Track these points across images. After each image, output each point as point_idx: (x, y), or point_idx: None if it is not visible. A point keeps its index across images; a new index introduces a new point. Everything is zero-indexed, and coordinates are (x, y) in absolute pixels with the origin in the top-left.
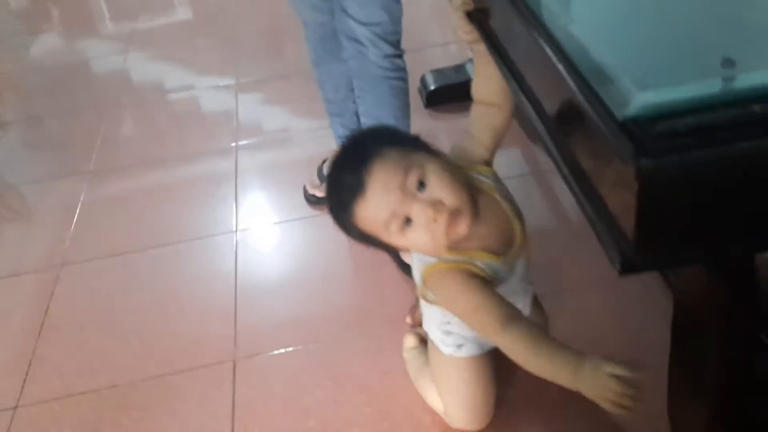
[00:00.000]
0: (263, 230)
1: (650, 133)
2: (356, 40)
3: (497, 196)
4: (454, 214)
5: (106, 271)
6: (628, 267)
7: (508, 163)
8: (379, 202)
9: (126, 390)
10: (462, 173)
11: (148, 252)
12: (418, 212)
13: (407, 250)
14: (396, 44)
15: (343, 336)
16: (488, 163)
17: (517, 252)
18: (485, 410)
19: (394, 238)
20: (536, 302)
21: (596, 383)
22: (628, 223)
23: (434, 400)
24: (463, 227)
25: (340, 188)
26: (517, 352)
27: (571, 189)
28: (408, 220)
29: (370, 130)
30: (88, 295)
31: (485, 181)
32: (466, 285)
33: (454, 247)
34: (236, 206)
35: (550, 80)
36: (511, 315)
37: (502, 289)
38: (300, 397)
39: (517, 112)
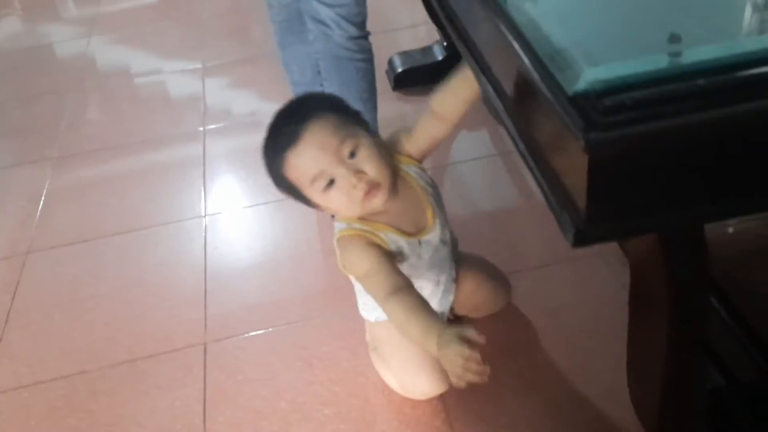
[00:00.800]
0: (232, 215)
1: (598, 107)
2: (321, 22)
3: (416, 186)
4: (372, 186)
5: (73, 257)
6: (580, 239)
7: (476, 144)
8: (311, 157)
9: (95, 376)
10: (390, 156)
11: (114, 238)
12: (342, 175)
13: (323, 210)
14: (361, 25)
15: (313, 317)
16: (418, 160)
17: (424, 237)
18: (436, 369)
19: (315, 195)
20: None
21: (449, 351)
22: (579, 195)
23: (390, 379)
24: (378, 199)
25: (277, 134)
26: (395, 320)
27: (527, 164)
28: (331, 182)
29: (319, 94)
30: (54, 282)
31: (410, 172)
32: (364, 251)
33: (365, 217)
34: (204, 191)
35: (506, 57)
36: (396, 286)
37: (407, 269)
38: (271, 379)
39: (483, 95)
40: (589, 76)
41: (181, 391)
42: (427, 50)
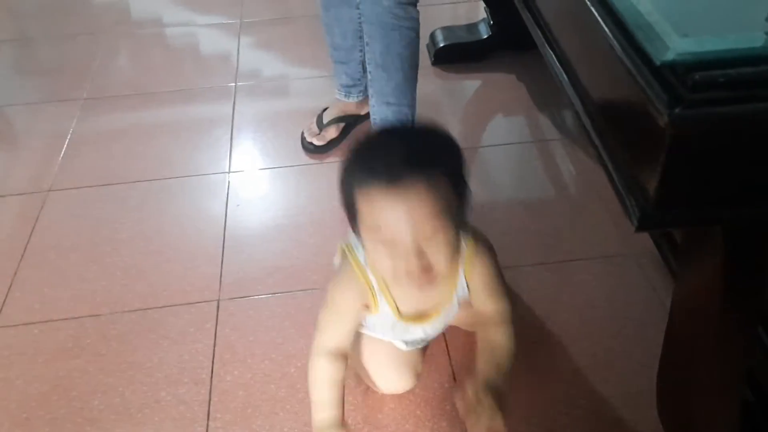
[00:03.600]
0: (257, 174)
1: (687, 82)
2: None
3: (451, 288)
4: (428, 280)
5: (94, 200)
6: (645, 222)
7: (511, 130)
8: (395, 219)
9: (107, 320)
10: (457, 255)
11: (137, 185)
12: (407, 252)
13: (363, 247)
14: None
15: (326, 276)
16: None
17: (415, 325)
18: (402, 366)
19: (368, 236)
20: None
21: None
22: (650, 176)
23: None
24: (417, 288)
25: (379, 154)
26: (309, 372)
27: (590, 140)
28: (394, 244)
29: (447, 136)
30: (74, 222)
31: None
32: (347, 291)
33: (387, 282)
34: (231, 147)
35: (583, 26)
36: (326, 350)
37: (376, 329)
38: (282, 344)
39: (526, 76)
40: (679, 47)
41: (191, 346)
42: (471, 28)
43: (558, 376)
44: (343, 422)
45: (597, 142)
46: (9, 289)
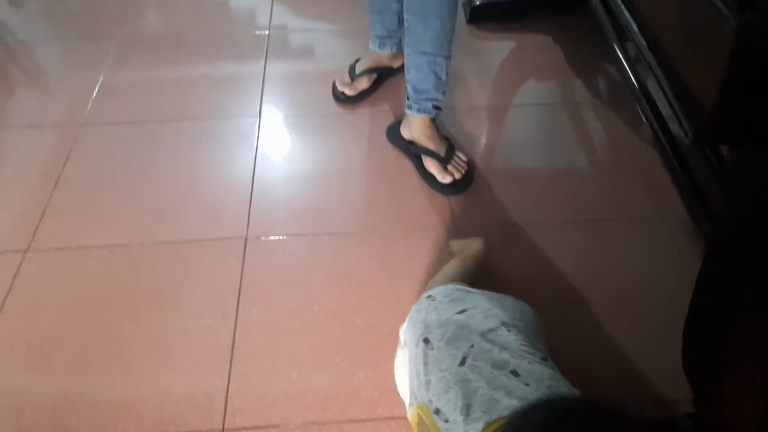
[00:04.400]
0: (287, 120)
1: None
2: None
3: None
4: None
5: (126, 136)
6: (701, 136)
7: (544, 91)
8: None
9: (136, 251)
10: None
11: (169, 124)
12: None
13: None
14: None
15: (356, 233)
16: None
17: None
18: None
19: None
20: None
21: None
22: (710, 87)
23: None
24: None
25: None
26: None
27: (642, 55)
28: None
29: None
30: (106, 156)
31: None
32: None
33: None
34: (262, 94)
35: None
36: None
37: None
38: (307, 283)
39: (563, 40)
40: None
41: (217, 280)
42: None
43: (580, 334)
44: None
45: (649, 57)
46: (42, 216)
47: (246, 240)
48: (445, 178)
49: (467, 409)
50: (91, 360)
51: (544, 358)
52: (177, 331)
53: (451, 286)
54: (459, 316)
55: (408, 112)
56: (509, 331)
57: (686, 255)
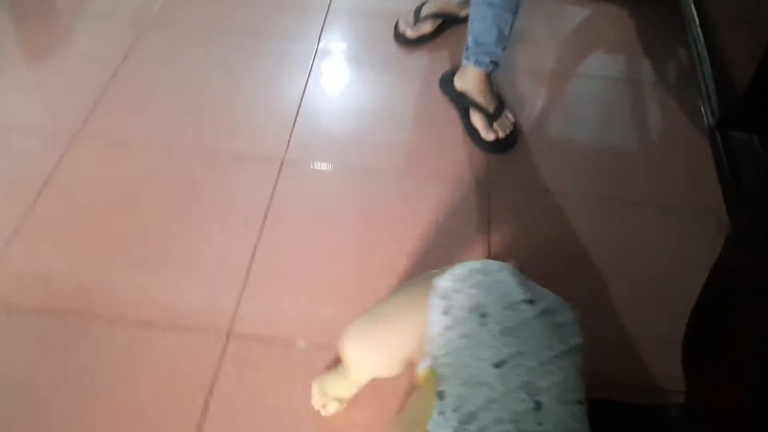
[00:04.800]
0: (344, 52)
1: None
2: None
3: None
4: None
5: (187, 40)
6: (725, 121)
7: (609, 64)
8: None
9: (178, 154)
10: None
11: (230, 36)
12: None
13: None
14: None
15: (390, 173)
16: None
17: None
18: None
19: None
20: None
21: None
22: (744, 68)
23: None
24: None
25: None
26: None
27: (690, 36)
28: None
29: None
30: (165, 57)
31: None
32: None
33: None
34: (325, 21)
35: None
36: None
37: None
38: (334, 214)
39: (638, 14)
40: None
41: (249, 195)
42: None
43: (589, 309)
44: None
45: (693, 29)
46: (95, 104)
47: (282, 162)
48: (488, 135)
49: (467, 419)
50: (117, 249)
51: (579, 401)
52: (202, 235)
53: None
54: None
55: (464, 62)
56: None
57: (715, 250)
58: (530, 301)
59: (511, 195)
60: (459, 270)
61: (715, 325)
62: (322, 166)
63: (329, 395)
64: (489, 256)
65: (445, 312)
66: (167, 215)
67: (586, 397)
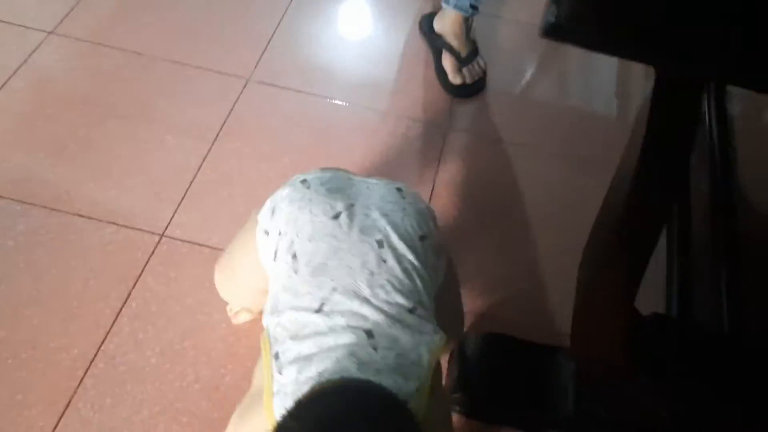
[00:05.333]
0: None
1: None
2: None
3: None
4: None
5: None
6: (550, 30)
7: None
8: None
9: (147, 61)
10: None
11: None
12: None
13: None
14: None
15: (351, 104)
16: None
17: None
18: None
19: None
20: None
21: None
22: None
23: None
24: None
25: None
26: None
27: None
28: None
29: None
30: None
31: None
32: None
33: None
34: None
35: None
36: None
37: None
38: (287, 136)
39: None
40: None
41: (209, 108)
42: None
43: (516, 255)
44: None
45: None
46: (76, 4)
47: (247, 81)
48: (455, 79)
49: (304, 365)
50: (70, 146)
51: (410, 309)
52: (156, 142)
53: (330, 173)
54: (334, 223)
55: (444, 5)
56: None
57: None
58: (335, 214)
59: (466, 139)
60: (269, 202)
61: (593, 278)
62: (285, 89)
63: (241, 304)
64: (432, 193)
65: (267, 249)
66: (125, 119)
67: (417, 304)
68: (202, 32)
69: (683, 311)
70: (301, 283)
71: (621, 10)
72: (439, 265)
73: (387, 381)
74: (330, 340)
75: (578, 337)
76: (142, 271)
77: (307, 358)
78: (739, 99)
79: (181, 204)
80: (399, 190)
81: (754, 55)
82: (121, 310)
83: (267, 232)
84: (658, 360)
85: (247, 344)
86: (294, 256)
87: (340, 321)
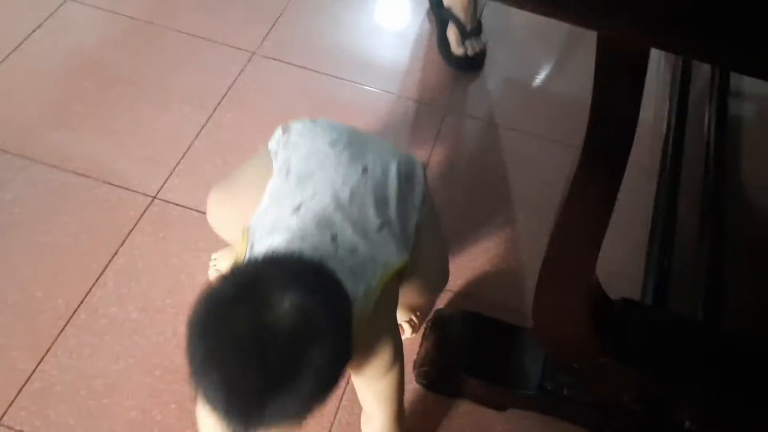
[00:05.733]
0: None
1: None
2: None
3: None
4: None
5: None
6: None
7: None
8: None
9: (157, 31)
10: None
11: None
12: None
13: None
14: None
15: (354, 82)
16: None
17: None
18: None
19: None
20: None
21: None
22: None
23: None
24: None
25: (223, 380)
26: None
27: None
28: None
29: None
30: None
31: None
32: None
33: None
34: None
35: None
36: None
37: None
38: (287, 111)
39: None
40: None
41: (211, 80)
42: None
43: (501, 236)
44: None
45: None
46: None
47: (253, 55)
48: (458, 50)
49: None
50: (73, 106)
51: (380, 227)
52: (157, 109)
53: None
54: (330, 149)
55: None
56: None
57: (636, 194)
58: (333, 143)
59: (463, 122)
60: (278, 132)
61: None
62: (290, 65)
63: (222, 270)
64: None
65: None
66: (132, 84)
67: (386, 225)
68: (215, 6)
69: (658, 299)
70: (287, 189)
71: None
72: (420, 207)
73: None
74: (297, 238)
75: (539, 312)
76: (132, 230)
77: (276, 248)
78: (746, 99)
79: (176, 169)
80: (398, 152)
81: (685, 21)
82: (107, 265)
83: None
84: (622, 343)
85: None
86: (288, 172)
87: (311, 223)
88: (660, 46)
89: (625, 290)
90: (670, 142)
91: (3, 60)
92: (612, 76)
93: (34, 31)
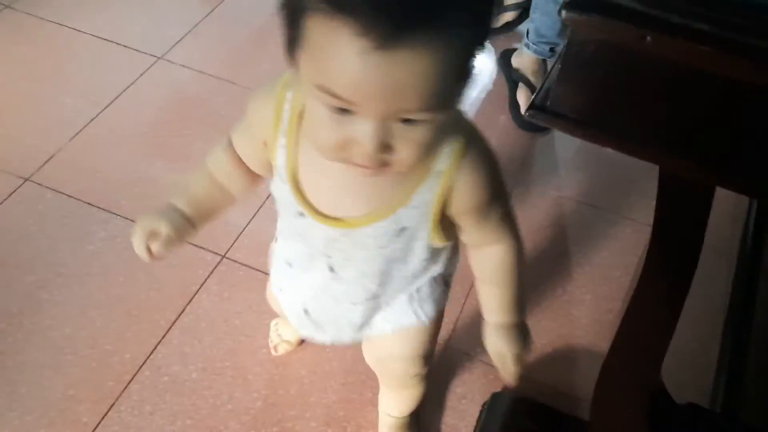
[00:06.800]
0: None
1: None
2: None
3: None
4: (381, 168)
5: None
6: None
7: None
8: (367, 87)
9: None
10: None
11: None
12: (365, 132)
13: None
14: None
15: None
16: None
17: (333, 225)
18: None
19: (311, 90)
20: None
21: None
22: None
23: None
24: (361, 174)
25: None
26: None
27: None
28: (347, 112)
29: None
30: None
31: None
32: (254, 104)
33: (310, 146)
34: None
35: None
36: (228, 144)
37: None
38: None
39: None
40: None
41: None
42: None
43: (553, 313)
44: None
45: None
46: None
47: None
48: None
49: None
50: (158, 165)
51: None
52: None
53: None
54: None
55: (524, 48)
56: None
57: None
58: None
59: (518, 186)
60: None
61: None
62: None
63: (282, 337)
64: None
65: None
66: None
67: None
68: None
69: (728, 403)
70: None
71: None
72: None
73: None
74: None
75: (597, 414)
76: (199, 288)
77: None
78: None
79: (246, 229)
80: None
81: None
82: (174, 322)
83: None
84: None
85: (283, 373)
86: None
87: None
88: (726, 186)
89: (694, 386)
90: (751, 225)
91: (97, 114)
92: (674, 210)
93: (127, 87)
